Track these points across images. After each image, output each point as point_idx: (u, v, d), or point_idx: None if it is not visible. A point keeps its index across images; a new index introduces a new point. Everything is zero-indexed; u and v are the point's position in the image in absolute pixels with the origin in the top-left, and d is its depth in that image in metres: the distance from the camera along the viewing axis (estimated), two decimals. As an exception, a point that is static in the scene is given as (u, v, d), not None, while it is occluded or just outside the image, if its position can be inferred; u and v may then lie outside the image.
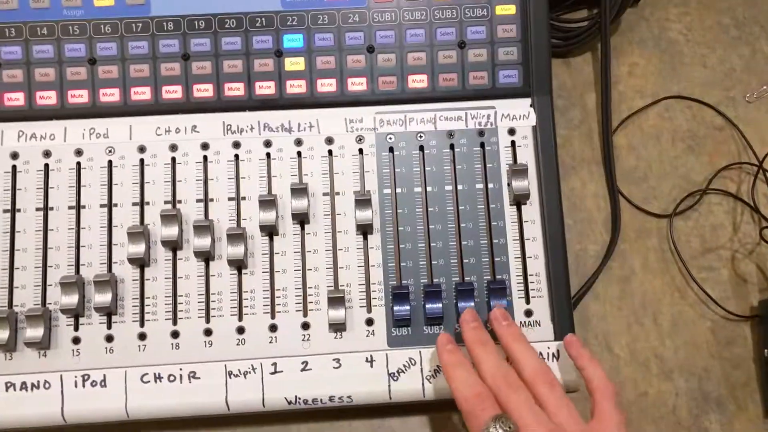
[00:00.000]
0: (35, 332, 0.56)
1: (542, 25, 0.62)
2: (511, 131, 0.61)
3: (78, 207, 0.59)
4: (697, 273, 0.66)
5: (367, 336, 0.58)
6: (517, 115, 0.62)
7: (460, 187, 0.60)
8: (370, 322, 0.58)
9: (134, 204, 0.59)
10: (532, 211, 0.60)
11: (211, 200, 0.60)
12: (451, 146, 0.61)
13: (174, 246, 0.58)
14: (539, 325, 0.59)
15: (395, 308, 0.58)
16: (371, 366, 0.57)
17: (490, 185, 0.60)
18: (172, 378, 0.57)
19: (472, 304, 0.58)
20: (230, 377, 0.57)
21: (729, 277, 0.67)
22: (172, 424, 0.59)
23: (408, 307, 0.58)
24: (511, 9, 0.62)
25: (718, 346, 0.65)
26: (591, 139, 0.70)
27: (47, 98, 0.61)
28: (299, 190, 0.59)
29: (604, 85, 0.69)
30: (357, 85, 0.62)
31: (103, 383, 0.57)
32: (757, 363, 0.65)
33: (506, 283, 0.59)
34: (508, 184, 0.60)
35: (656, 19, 0.74)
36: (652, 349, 0.65)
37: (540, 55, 0.62)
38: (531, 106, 0.62)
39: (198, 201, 0.60)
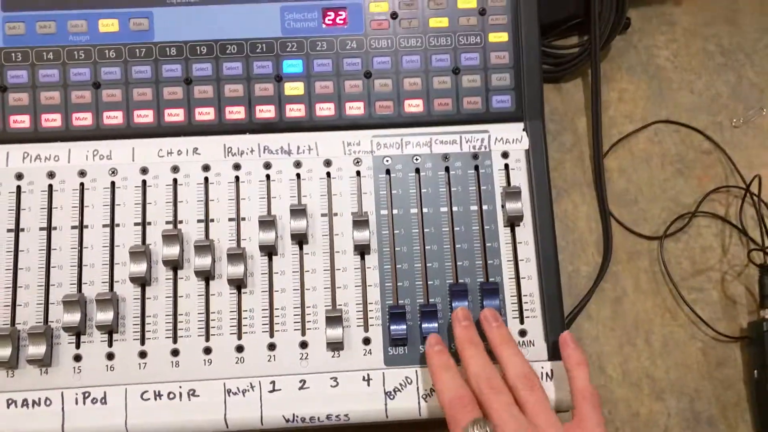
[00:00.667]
0: (37, 350, 0.57)
1: (534, 51, 0.63)
2: (505, 154, 0.63)
3: (81, 227, 0.60)
4: (688, 294, 0.68)
5: (364, 355, 0.59)
6: (510, 139, 0.63)
7: (455, 208, 0.62)
8: (367, 341, 0.59)
9: (136, 224, 0.61)
10: (525, 232, 0.61)
11: (212, 221, 0.61)
12: (447, 169, 0.63)
13: (175, 265, 0.59)
14: (533, 345, 0.60)
15: (392, 327, 0.59)
16: (368, 384, 0.58)
17: (485, 207, 0.62)
18: (171, 396, 0.58)
19: (466, 303, 0.59)
20: (229, 395, 0.58)
21: (719, 299, 0.68)
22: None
23: (404, 327, 0.59)
24: (503, 36, 0.64)
25: (708, 367, 0.66)
26: (582, 162, 0.72)
27: (52, 121, 0.62)
28: (298, 211, 0.60)
29: (594, 110, 0.70)
30: (355, 109, 0.63)
31: (103, 400, 0.57)
32: (747, 384, 0.66)
33: (499, 285, 0.60)
34: (502, 206, 0.61)
35: (644, 46, 0.76)
36: (644, 369, 0.66)
37: (532, 81, 0.63)
38: (524, 130, 0.63)
39: (199, 221, 0.61)
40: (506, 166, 0.63)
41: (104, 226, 0.60)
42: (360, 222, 0.60)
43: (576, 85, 0.75)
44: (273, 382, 0.58)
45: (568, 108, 0.74)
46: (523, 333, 0.60)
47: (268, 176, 0.62)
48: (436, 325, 0.59)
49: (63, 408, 0.57)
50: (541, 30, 0.64)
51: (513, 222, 0.61)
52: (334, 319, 0.58)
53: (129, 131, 0.62)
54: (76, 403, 0.57)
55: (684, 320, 0.68)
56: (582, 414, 0.53)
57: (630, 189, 0.71)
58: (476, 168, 0.63)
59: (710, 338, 0.67)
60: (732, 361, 0.67)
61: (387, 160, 0.63)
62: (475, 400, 0.52)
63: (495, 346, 0.56)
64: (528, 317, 0.60)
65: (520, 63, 0.63)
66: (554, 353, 0.58)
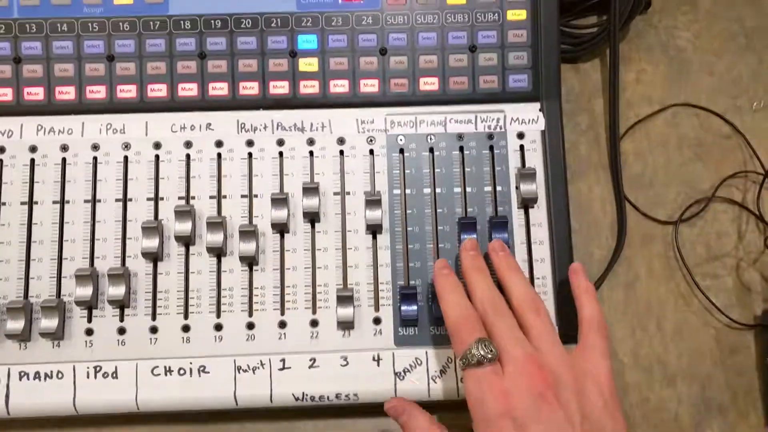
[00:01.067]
0: (50, 323, 0.57)
1: (553, 30, 0.63)
2: (520, 135, 0.62)
3: (93, 201, 0.60)
4: (702, 280, 0.67)
5: (374, 335, 0.59)
6: (526, 119, 0.62)
7: (468, 189, 0.61)
8: (377, 321, 0.59)
9: (149, 199, 0.60)
10: (539, 214, 0.61)
11: (224, 197, 0.61)
12: (461, 149, 0.62)
13: (187, 241, 0.59)
14: (544, 327, 0.59)
15: (403, 308, 0.58)
16: (378, 365, 0.58)
17: (499, 188, 0.61)
18: (182, 371, 0.58)
19: (474, 236, 0.59)
20: (239, 372, 0.58)
21: (733, 286, 0.68)
22: (180, 417, 0.61)
23: (415, 307, 0.58)
24: (522, 14, 0.63)
25: (721, 354, 0.66)
26: (598, 145, 0.71)
27: (66, 93, 0.62)
28: (311, 189, 0.60)
29: (612, 91, 0.69)
30: (369, 86, 0.63)
31: (114, 375, 0.58)
32: (759, 371, 0.65)
33: (508, 219, 0.60)
34: (516, 188, 0.61)
35: (664, 27, 0.74)
36: (656, 355, 0.66)
37: (550, 61, 0.63)
38: (540, 110, 0.63)
39: (211, 197, 0.61)
40: (521, 147, 0.62)
41: (117, 200, 0.60)
42: (373, 201, 0.60)
43: (593, 66, 0.73)
44: (283, 360, 0.58)
45: (584, 89, 0.73)
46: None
47: (281, 153, 0.62)
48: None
49: (74, 381, 0.57)
50: (560, 9, 0.63)
51: (527, 204, 0.61)
52: (345, 298, 0.58)
53: (142, 105, 0.62)
54: (88, 376, 0.58)
55: (697, 306, 0.67)
56: (588, 342, 0.53)
57: (646, 172, 0.70)
58: (491, 148, 0.62)
59: (723, 325, 0.67)
60: (745, 349, 0.66)
61: (401, 139, 0.62)
62: (481, 321, 0.53)
63: (501, 273, 0.56)
64: (540, 300, 0.60)
65: (538, 42, 0.63)
66: (567, 336, 0.58)
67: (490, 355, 0.50)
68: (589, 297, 0.55)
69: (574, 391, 0.50)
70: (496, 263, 0.57)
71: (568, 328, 0.58)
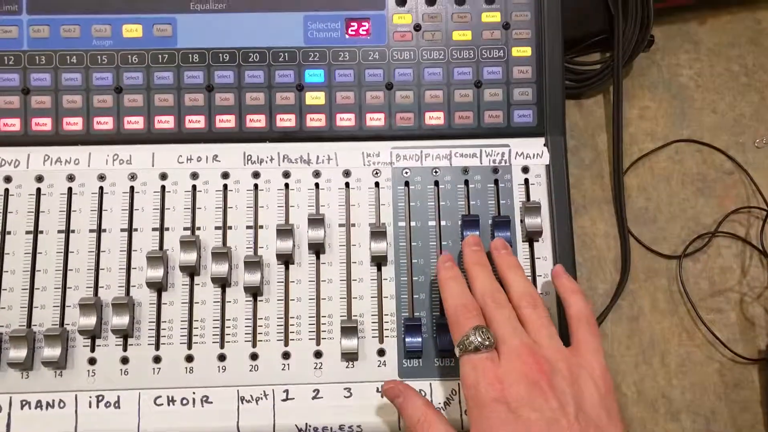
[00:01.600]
0: (53, 352, 0.57)
1: (557, 67, 0.63)
2: (525, 169, 0.63)
3: (99, 230, 0.60)
4: (706, 315, 0.67)
5: (378, 366, 0.59)
6: (530, 154, 0.63)
7: (473, 222, 0.62)
8: (381, 352, 0.59)
9: (154, 229, 0.61)
10: (544, 248, 0.61)
11: (230, 228, 0.61)
12: (466, 182, 0.62)
13: (192, 271, 0.59)
14: (548, 361, 0.59)
15: (407, 340, 0.58)
16: (382, 396, 0.58)
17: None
18: (185, 401, 0.57)
19: (477, 233, 0.61)
20: (242, 402, 0.58)
21: (737, 320, 0.68)
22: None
23: (420, 339, 0.58)
24: (527, 51, 0.63)
25: (725, 389, 0.66)
26: (602, 179, 0.72)
27: (74, 124, 0.62)
28: (316, 221, 0.60)
29: (616, 127, 0.70)
30: (375, 120, 0.63)
31: (117, 404, 0.57)
32: (764, 406, 0.65)
33: (510, 219, 0.61)
34: (521, 221, 0.61)
35: (667, 65, 0.75)
36: (660, 389, 0.66)
37: (554, 96, 0.63)
38: (545, 145, 0.63)
39: (217, 228, 0.61)
40: (526, 180, 0.63)
41: (122, 230, 0.61)
42: (378, 233, 0.60)
43: (597, 102, 0.74)
44: (286, 391, 0.58)
45: (588, 124, 0.74)
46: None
47: (286, 185, 0.62)
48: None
49: (76, 410, 0.57)
50: (564, 45, 0.64)
51: (532, 237, 0.61)
52: (350, 329, 0.58)
53: (149, 137, 0.62)
54: (90, 406, 0.57)
55: (701, 340, 0.67)
56: (579, 338, 0.53)
57: (649, 207, 0.71)
58: (496, 182, 0.62)
59: (727, 359, 0.66)
60: (749, 383, 0.66)
61: (406, 172, 0.63)
62: (480, 310, 0.53)
63: (502, 271, 0.57)
64: (544, 333, 0.59)
65: (542, 78, 0.63)
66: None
67: (487, 342, 0.50)
68: (576, 295, 0.55)
69: (569, 382, 0.49)
70: (498, 261, 0.58)
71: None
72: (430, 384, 0.58)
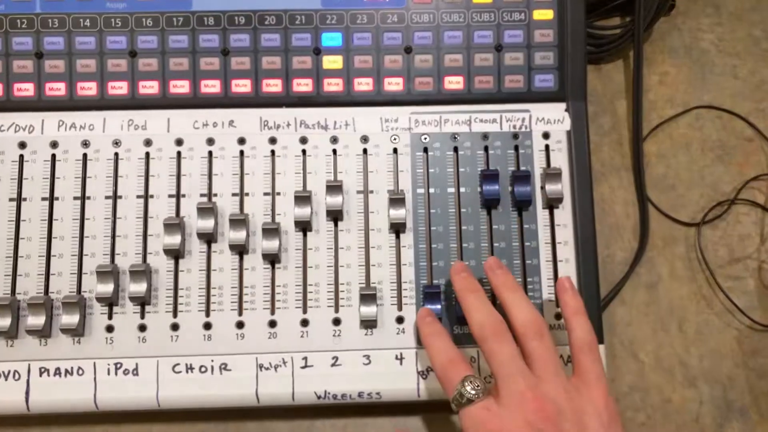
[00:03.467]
0: (71, 319, 0.57)
1: (579, 30, 0.62)
2: (546, 135, 0.62)
3: (115, 197, 0.60)
4: (724, 282, 0.67)
5: (397, 334, 0.59)
6: (551, 119, 0.62)
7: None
8: (400, 320, 0.59)
9: (170, 196, 0.60)
10: (564, 215, 0.61)
11: (247, 194, 0.60)
12: (485, 148, 0.62)
13: (209, 239, 0.59)
14: (567, 329, 0.59)
15: (426, 307, 0.58)
16: (401, 363, 0.58)
17: (524, 188, 0.61)
18: (203, 369, 0.57)
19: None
20: (261, 370, 0.57)
21: (755, 287, 0.67)
22: (197, 414, 0.60)
23: (438, 307, 0.58)
24: (548, 14, 0.62)
25: (743, 356, 0.65)
26: (621, 146, 0.71)
27: (88, 89, 0.61)
28: (334, 188, 0.59)
29: (635, 93, 0.69)
30: (393, 85, 0.62)
31: (135, 372, 0.57)
32: (781, 373, 0.65)
33: (530, 172, 0.61)
34: (542, 188, 0.61)
35: (688, 29, 0.74)
36: (677, 356, 0.65)
37: (576, 61, 0.62)
38: (566, 110, 0.62)
39: (234, 195, 0.60)
40: (546, 146, 0.62)
41: (138, 197, 0.60)
42: (396, 200, 0.59)
43: (616, 67, 0.73)
44: (305, 358, 0.58)
45: (607, 90, 0.72)
46: (558, 316, 0.59)
47: (304, 151, 0.61)
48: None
49: (95, 378, 0.57)
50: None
51: (552, 204, 0.60)
52: (368, 296, 0.58)
53: (164, 101, 0.62)
54: (108, 373, 0.57)
55: (719, 308, 0.67)
56: (581, 366, 0.52)
57: (668, 174, 0.70)
58: (516, 148, 0.62)
59: (745, 327, 0.66)
60: (766, 351, 0.66)
61: (425, 138, 0.62)
62: (466, 360, 0.52)
63: (500, 294, 0.54)
64: (563, 301, 0.59)
65: (564, 42, 0.62)
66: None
67: (480, 391, 0.49)
68: (579, 319, 0.53)
69: (573, 422, 0.49)
70: (495, 283, 0.55)
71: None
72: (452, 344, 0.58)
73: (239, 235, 0.58)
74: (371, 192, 0.61)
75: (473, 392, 0.49)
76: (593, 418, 0.49)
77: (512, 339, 0.51)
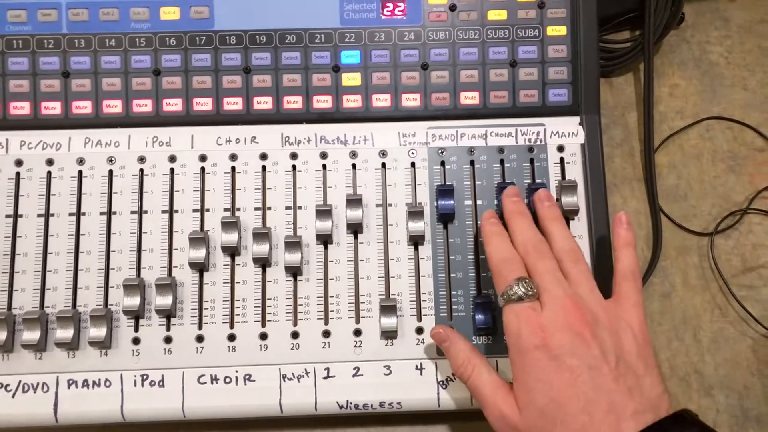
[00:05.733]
0: (98, 332, 0.58)
1: (592, 46, 0.64)
2: (560, 148, 0.63)
3: (140, 212, 0.61)
4: (738, 291, 0.68)
5: (417, 344, 0.60)
6: (566, 133, 0.63)
7: (509, 201, 0.62)
8: (420, 330, 0.60)
9: (195, 210, 0.61)
10: (580, 226, 0.62)
11: (269, 209, 0.62)
12: (501, 161, 0.63)
13: (233, 252, 0.60)
14: (584, 338, 0.60)
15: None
16: (421, 374, 0.59)
17: (539, 200, 0.62)
18: (228, 380, 0.59)
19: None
20: (284, 380, 0.59)
21: (769, 296, 0.68)
22: (220, 425, 0.61)
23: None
24: (562, 30, 0.64)
25: (758, 364, 0.66)
26: (632, 157, 0.72)
27: (113, 107, 0.63)
28: (354, 201, 0.61)
29: (646, 105, 0.70)
30: (411, 100, 0.64)
31: (161, 383, 0.58)
32: (795, 381, 0.66)
33: (546, 183, 0.62)
34: (557, 200, 0.62)
35: (697, 42, 0.75)
36: (692, 365, 0.66)
37: (589, 75, 0.64)
38: (580, 124, 0.64)
39: (256, 209, 0.62)
40: (561, 159, 0.63)
41: (163, 211, 0.61)
42: (415, 213, 0.60)
43: (627, 80, 0.75)
44: (327, 369, 0.59)
45: (618, 102, 0.74)
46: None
47: (324, 166, 0.63)
48: (489, 316, 0.59)
49: (122, 389, 0.58)
50: (596, 24, 0.65)
51: (568, 216, 0.61)
52: (389, 308, 0.59)
53: (188, 119, 0.63)
54: (135, 385, 0.58)
55: (734, 317, 0.67)
56: (621, 292, 0.54)
57: (680, 185, 0.71)
58: (531, 161, 0.63)
59: (760, 335, 0.67)
60: (781, 359, 0.67)
61: (442, 152, 0.63)
62: (522, 263, 0.54)
63: (545, 223, 0.57)
64: (580, 310, 0.60)
65: (577, 57, 0.64)
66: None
67: (530, 292, 0.51)
68: (628, 250, 0.55)
69: (610, 332, 0.50)
70: (541, 212, 0.58)
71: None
72: (472, 345, 0.59)
73: (262, 249, 0.60)
74: (390, 205, 0.62)
75: (524, 291, 0.51)
76: (628, 333, 0.51)
77: (552, 256, 0.54)
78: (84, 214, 0.61)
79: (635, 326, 0.52)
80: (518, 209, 0.57)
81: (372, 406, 0.58)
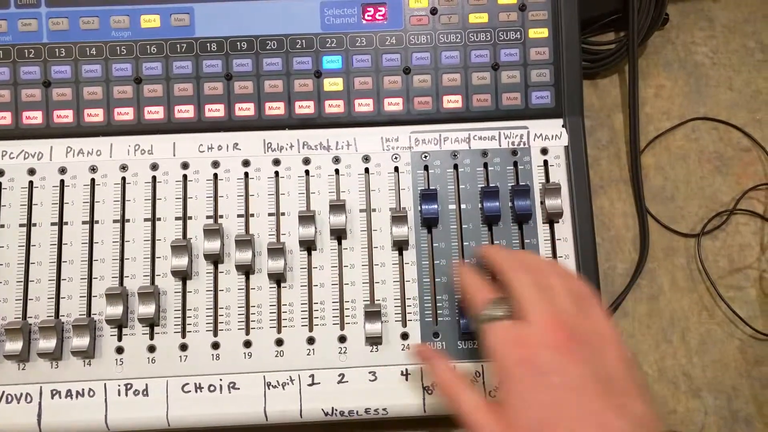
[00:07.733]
0: (81, 341, 0.58)
1: (574, 47, 0.63)
2: (544, 151, 0.63)
3: (123, 221, 0.61)
4: (725, 292, 0.67)
5: (402, 350, 0.59)
6: (549, 135, 0.63)
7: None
8: (405, 336, 0.60)
9: (177, 218, 0.61)
10: (564, 229, 0.61)
11: (252, 215, 0.61)
12: (485, 165, 0.63)
13: (216, 259, 0.60)
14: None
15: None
16: (406, 379, 0.59)
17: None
18: (212, 388, 0.58)
19: (497, 203, 0.61)
20: (269, 388, 0.58)
21: (757, 297, 0.68)
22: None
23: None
24: (544, 32, 0.64)
25: (746, 365, 0.66)
26: (619, 159, 0.72)
27: (94, 116, 0.63)
28: (337, 207, 0.60)
29: (632, 106, 0.70)
30: (393, 105, 0.63)
31: (145, 392, 0.58)
32: (785, 382, 0.66)
33: (530, 186, 0.61)
34: (541, 203, 0.61)
35: (682, 42, 0.75)
36: (681, 367, 0.66)
37: (572, 77, 0.63)
38: (563, 126, 0.63)
39: (239, 216, 0.61)
40: (545, 162, 0.63)
41: (146, 220, 0.61)
42: (398, 218, 0.60)
43: (612, 82, 0.74)
44: (312, 376, 0.59)
45: (603, 104, 0.74)
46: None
47: (307, 171, 0.62)
48: (474, 320, 0.59)
49: (106, 399, 0.58)
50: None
51: (552, 218, 0.61)
52: (373, 314, 0.59)
53: (170, 126, 0.63)
54: (119, 394, 0.58)
55: (721, 318, 0.67)
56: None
57: (667, 186, 0.71)
58: (515, 164, 0.63)
59: (748, 336, 0.67)
60: (770, 360, 0.66)
61: (425, 156, 0.63)
62: (491, 289, 0.53)
63: (499, 258, 0.54)
64: (566, 314, 0.60)
65: (559, 59, 0.63)
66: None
67: (507, 313, 0.50)
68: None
69: (593, 348, 0.48)
70: (490, 255, 0.55)
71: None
72: (454, 366, 0.58)
73: (245, 256, 0.59)
74: (374, 210, 0.62)
75: (502, 313, 0.50)
76: (613, 352, 0.49)
77: (533, 271, 0.52)
78: (66, 223, 0.61)
79: (617, 344, 0.50)
80: (493, 249, 0.56)
81: (357, 412, 0.58)
